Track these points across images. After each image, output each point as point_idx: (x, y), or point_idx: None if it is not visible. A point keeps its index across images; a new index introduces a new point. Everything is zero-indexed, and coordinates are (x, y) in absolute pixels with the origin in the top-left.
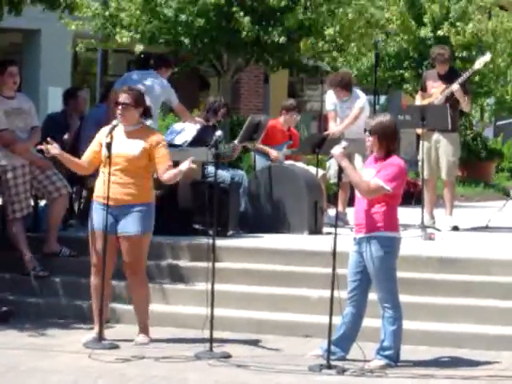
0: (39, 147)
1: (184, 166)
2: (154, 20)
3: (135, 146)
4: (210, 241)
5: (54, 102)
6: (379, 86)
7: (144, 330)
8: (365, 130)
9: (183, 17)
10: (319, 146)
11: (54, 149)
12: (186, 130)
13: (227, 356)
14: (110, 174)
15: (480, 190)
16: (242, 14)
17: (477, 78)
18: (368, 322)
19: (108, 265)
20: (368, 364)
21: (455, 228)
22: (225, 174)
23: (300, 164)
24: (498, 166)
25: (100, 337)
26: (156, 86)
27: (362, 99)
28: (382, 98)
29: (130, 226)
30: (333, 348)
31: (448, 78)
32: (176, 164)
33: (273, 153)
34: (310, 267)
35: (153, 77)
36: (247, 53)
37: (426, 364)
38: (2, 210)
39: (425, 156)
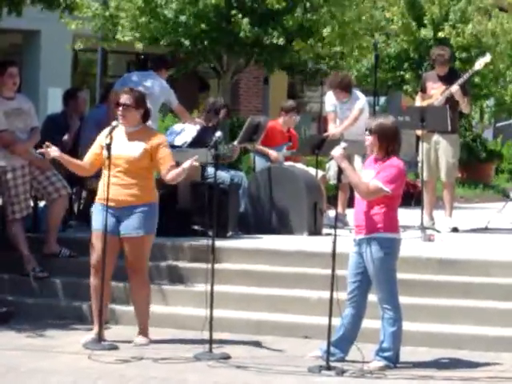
0: (39, 151)
1: (187, 164)
2: (154, 21)
3: (136, 148)
4: (210, 242)
5: (54, 103)
6: (379, 88)
7: (143, 331)
8: (366, 130)
9: (183, 18)
10: (319, 147)
11: (53, 151)
12: (186, 130)
13: (227, 357)
14: (109, 175)
15: (479, 192)
16: (240, 16)
17: (477, 79)
18: (367, 323)
19: (108, 266)
20: (367, 365)
21: (455, 229)
22: (224, 175)
23: (300, 165)
24: (498, 167)
25: (99, 338)
26: (156, 87)
27: (361, 100)
28: (382, 100)
29: (132, 227)
30: (332, 349)
31: (448, 79)
32: (176, 165)
33: (272, 154)
34: (309, 268)
35: (152, 78)
36: (247, 53)
37: (426, 365)
38: (1, 210)
39: (424, 157)
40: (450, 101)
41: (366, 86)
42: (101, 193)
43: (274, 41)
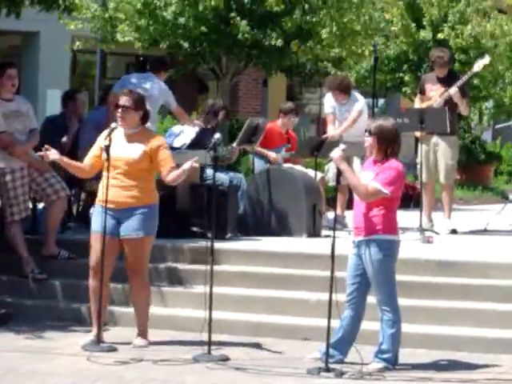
0: (39, 154)
1: (187, 165)
2: (154, 23)
3: (135, 150)
4: (209, 243)
5: (53, 105)
6: (378, 89)
7: (143, 332)
8: (366, 131)
9: (182, 20)
10: (318, 149)
11: (53, 154)
12: (185, 132)
13: (225, 359)
14: (108, 177)
15: (478, 193)
16: (238, 18)
17: (477, 81)
18: (366, 325)
19: (107, 268)
20: (366, 367)
21: (453, 231)
22: (223, 177)
23: (299, 167)
24: (497, 169)
25: (98, 339)
26: (154, 89)
27: (360, 102)
28: (381, 101)
29: (132, 228)
30: (331, 351)
31: (447, 80)
32: (175, 167)
33: (272, 154)
34: (308, 270)
35: (151, 80)
36: (246, 56)
37: (425, 367)
38: (0, 212)
39: (423, 159)
40: (449, 103)
41: (365, 88)
42: (101, 195)
43: (273, 42)
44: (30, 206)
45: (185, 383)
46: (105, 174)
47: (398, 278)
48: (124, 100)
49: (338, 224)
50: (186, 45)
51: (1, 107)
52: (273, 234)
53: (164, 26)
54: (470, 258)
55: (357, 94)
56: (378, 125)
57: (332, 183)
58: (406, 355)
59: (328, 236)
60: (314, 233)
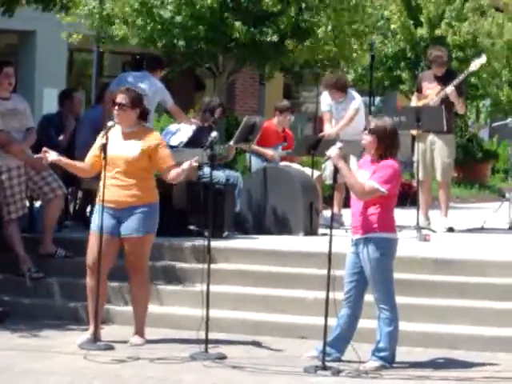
0: (37, 156)
1: (186, 165)
2: (151, 22)
3: (133, 148)
4: (206, 242)
5: (50, 103)
6: (375, 88)
7: (140, 330)
8: (365, 129)
9: (179, 18)
10: (314, 147)
11: (52, 156)
12: (182, 130)
13: (222, 357)
14: (105, 175)
15: (475, 192)
16: (233, 18)
17: (474, 80)
18: (364, 323)
19: (105, 266)
20: (363, 365)
21: (450, 229)
22: (220, 175)
23: (295, 165)
24: (494, 167)
25: (95, 338)
26: (151, 87)
27: (357, 100)
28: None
29: (132, 227)
30: (328, 349)
31: (444, 79)
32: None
33: (269, 152)
34: (305, 268)
35: (147, 78)
36: (244, 53)
37: (422, 365)
38: None
39: (420, 157)
40: (446, 101)
41: (362, 86)
42: (99, 194)
43: (268, 38)
44: (27, 204)
45: (182, 381)
46: (103, 172)
47: (395, 276)
48: (121, 98)
49: (334, 222)
50: (182, 43)
51: None
52: (270, 232)
53: (161, 24)
54: (467, 256)
55: (353, 92)
56: (379, 124)
57: (329, 181)
58: (403, 353)
59: (325, 234)
60: (311, 231)
